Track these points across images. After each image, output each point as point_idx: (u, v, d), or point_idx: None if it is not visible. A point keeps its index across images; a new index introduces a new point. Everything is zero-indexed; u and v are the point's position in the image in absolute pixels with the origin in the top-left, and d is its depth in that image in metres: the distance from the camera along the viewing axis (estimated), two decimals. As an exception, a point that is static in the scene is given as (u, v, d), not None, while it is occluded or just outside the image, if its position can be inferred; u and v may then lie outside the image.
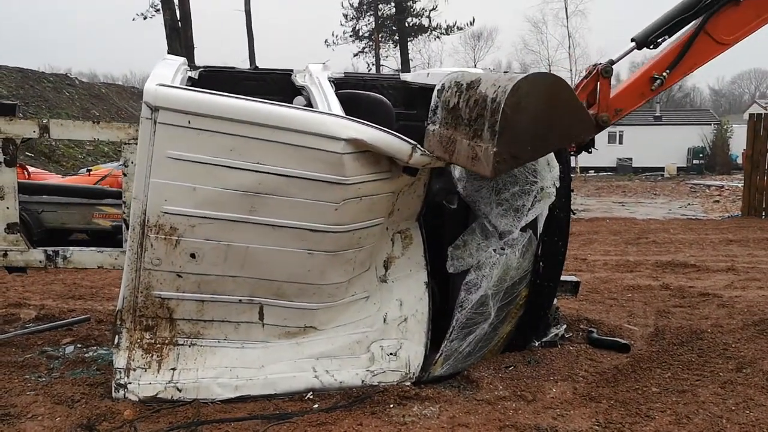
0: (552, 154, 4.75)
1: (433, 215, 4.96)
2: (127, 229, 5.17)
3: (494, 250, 4.66)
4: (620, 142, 47.24)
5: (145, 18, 31.30)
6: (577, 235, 12.76)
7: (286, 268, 4.30)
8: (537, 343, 5.26)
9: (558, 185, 4.81)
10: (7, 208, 5.41)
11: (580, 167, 41.71)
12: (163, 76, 4.27)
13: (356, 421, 4.00)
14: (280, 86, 5.41)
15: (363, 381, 4.47)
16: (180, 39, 25.15)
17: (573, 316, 6.24)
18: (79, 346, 5.78)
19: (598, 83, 4.68)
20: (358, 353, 4.56)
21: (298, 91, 5.22)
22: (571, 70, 44.97)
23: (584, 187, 28.59)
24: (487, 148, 3.61)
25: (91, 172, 11.61)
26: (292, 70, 5.58)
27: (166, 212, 4.07)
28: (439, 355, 4.60)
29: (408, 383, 4.53)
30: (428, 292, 4.75)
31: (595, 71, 4.80)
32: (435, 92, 4.58)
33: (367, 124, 4.07)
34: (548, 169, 4.77)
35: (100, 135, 5.60)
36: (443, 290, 5.05)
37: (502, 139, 3.54)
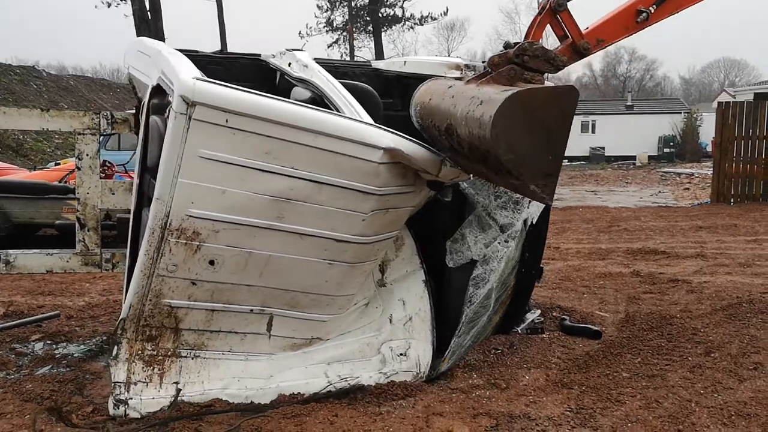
0: None
1: (426, 209, 4.80)
2: (81, 228, 5.02)
3: (499, 244, 4.65)
4: (593, 131, 47.73)
5: (109, 6, 30.53)
6: (550, 224, 12.79)
7: (304, 278, 4.17)
8: (519, 329, 5.32)
9: None
10: None
11: (552, 156, 42.02)
12: (186, 66, 3.97)
13: (331, 412, 3.99)
14: (249, 72, 5.23)
15: (376, 383, 4.40)
16: (150, 30, 24.82)
17: (546, 304, 6.31)
18: (48, 342, 5.69)
19: (559, 17, 4.38)
20: (368, 356, 4.49)
21: (277, 77, 5.09)
22: (541, 61, 45.11)
23: (557, 177, 28.80)
24: (524, 186, 3.50)
25: (60, 166, 11.45)
26: (259, 55, 5.44)
27: (191, 215, 3.79)
28: (448, 351, 4.59)
29: (419, 382, 4.49)
30: (428, 289, 4.70)
31: (548, 6, 4.46)
32: (418, 128, 4.44)
33: (402, 135, 3.94)
34: None
35: (50, 124, 5.14)
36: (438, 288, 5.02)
37: (527, 175, 3.44)
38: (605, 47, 4.60)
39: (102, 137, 5.18)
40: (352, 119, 4.09)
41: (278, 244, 3.98)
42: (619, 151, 44.04)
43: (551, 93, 3.53)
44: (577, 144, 45.11)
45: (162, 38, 25.17)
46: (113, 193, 5.07)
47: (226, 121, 3.66)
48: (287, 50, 5.23)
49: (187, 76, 3.69)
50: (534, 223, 4.86)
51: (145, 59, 4.57)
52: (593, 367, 4.75)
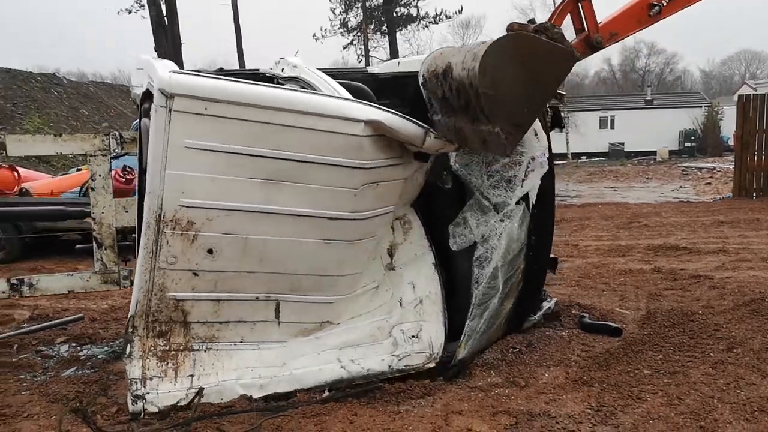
0: (539, 124, 4.80)
1: (428, 196, 4.91)
2: (98, 247, 5.10)
3: (495, 222, 4.68)
4: (612, 127, 47.42)
5: (129, 12, 30.91)
6: (568, 221, 12.81)
7: (304, 260, 4.24)
8: (535, 317, 5.32)
9: (547, 156, 4.84)
10: None
11: (571, 153, 41.78)
12: (166, 64, 4.10)
13: (351, 411, 4.02)
14: None
15: (390, 366, 4.43)
16: (166, 35, 25.00)
17: (565, 301, 6.28)
18: (73, 344, 5.79)
19: (580, 6, 4.44)
20: (380, 339, 4.52)
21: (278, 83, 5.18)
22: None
23: (576, 173, 28.68)
24: (490, 131, 3.61)
25: (81, 171, 11.60)
26: (258, 70, 5.55)
27: (183, 205, 3.90)
28: (463, 336, 4.60)
29: (432, 364, 4.50)
30: (438, 272, 4.72)
31: None
32: (420, 85, 4.56)
33: (383, 108, 4.05)
34: (536, 139, 4.80)
35: (63, 148, 5.28)
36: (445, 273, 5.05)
37: (498, 117, 3.54)
38: (618, 41, 4.59)
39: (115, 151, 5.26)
40: (330, 96, 4.18)
41: (273, 227, 4.05)
42: (639, 147, 43.70)
43: (550, 48, 3.63)
44: (596, 140, 44.87)
45: (179, 44, 25.39)
46: (127, 211, 5.16)
47: (206, 109, 3.78)
48: (281, 58, 5.40)
49: (164, 71, 3.81)
50: (535, 204, 4.84)
51: (141, 73, 4.67)
52: (614, 365, 4.73)
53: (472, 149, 4.25)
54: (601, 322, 5.57)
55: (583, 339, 5.28)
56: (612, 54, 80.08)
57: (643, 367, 4.67)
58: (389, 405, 4.16)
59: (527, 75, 3.55)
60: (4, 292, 5.16)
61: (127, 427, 3.92)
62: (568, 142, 41.88)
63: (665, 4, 4.46)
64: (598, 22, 4.40)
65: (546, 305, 5.54)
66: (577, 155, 42.58)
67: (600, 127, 47.22)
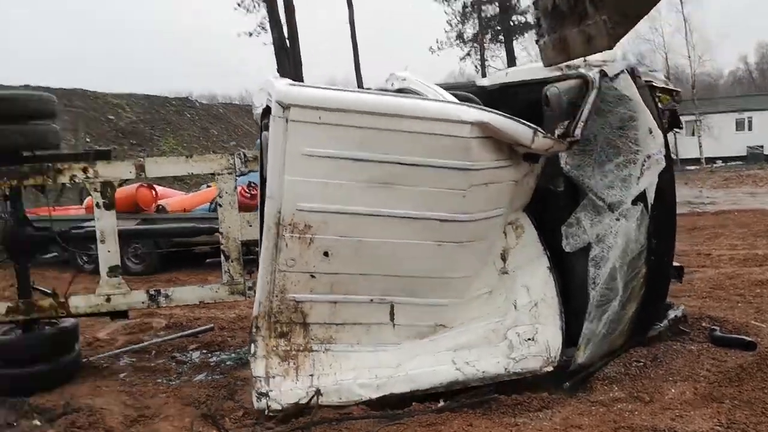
0: (654, 122, 4.65)
1: (540, 200, 4.88)
2: (226, 260, 5.36)
3: (611, 221, 4.57)
4: (749, 129, 44.68)
5: (250, 35, 32.36)
6: (701, 229, 12.19)
7: (416, 262, 4.35)
8: (660, 325, 5.16)
9: (664, 153, 4.68)
10: (108, 251, 5.39)
11: (705, 158, 39.64)
12: (283, 79, 4.40)
13: (466, 422, 4.03)
14: None
15: (506, 369, 4.41)
16: (288, 56, 25.96)
17: (695, 314, 5.97)
18: (204, 351, 6.16)
19: None
20: (495, 342, 4.52)
21: None
22: (689, 57, 42.68)
23: (710, 179, 27.16)
24: (597, 21, 3.58)
25: (211, 187, 12.26)
26: (369, 88, 5.70)
27: (300, 209, 4.13)
28: (581, 339, 4.52)
29: (550, 368, 4.45)
30: (553, 275, 4.67)
31: None
32: (532, 6, 4.57)
33: (489, 110, 4.12)
34: (651, 137, 4.65)
35: (194, 168, 5.62)
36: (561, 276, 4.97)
37: (609, 4, 3.50)
38: None
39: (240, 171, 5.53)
40: (436, 100, 4.24)
41: (385, 229, 4.19)
42: (781, 150, 40.82)
43: None
44: (733, 143, 42.40)
45: (300, 64, 26.28)
46: (251, 226, 5.40)
47: (320, 117, 4.02)
48: (391, 74, 5.56)
49: (281, 84, 4.11)
50: (653, 205, 4.66)
51: (261, 93, 4.92)
52: (747, 381, 4.45)
53: (576, 57, 4.16)
54: (733, 336, 5.26)
55: (714, 353, 5.01)
56: (748, 52, 75.46)
57: (779, 383, 4.37)
58: (506, 417, 4.14)
59: None
60: (143, 303, 5.52)
61: (252, 430, 4.11)
62: (701, 146, 39.78)
63: None
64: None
65: (672, 313, 5.32)
66: (711, 160, 40.37)
67: (736, 130, 44.56)
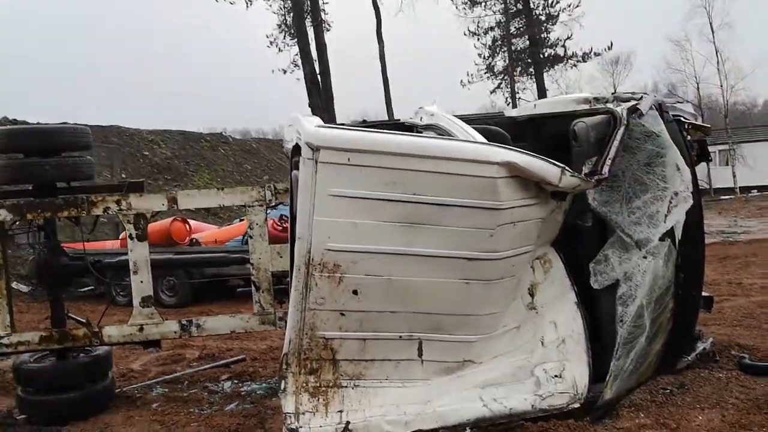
0: (681, 158, 4.70)
1: (568, 236, 4.91)
2: (256, 290, 5.45)
3: (639, 259, 4.59)
4: (785, 157, 43.88)
5: (284, 72, 32.93)
6: (733, 258, 12.06)
7: (444, 300, 4.38)
8: (688, 358, 5.15)
9: (692, 189, 4.71)
10: (141, 281, 5.46)
11: (740, 186, 39.05)
12: (313, 119, 4.48)
13: (493, 449, 4.06)
14: None
15: (533, 405, 4.42)
16: (320, 91, 26.35)
17: (724, 341, 5.95)
18: (235, 381, 6.27)
19: None
20: (522, 379, 4.54)
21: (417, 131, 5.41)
22: (721, 86, 42.33)
23: (744, 209, 26.72)
24: None
25: (243, 221, 12.49)
26: (399, 120, 5.83)
27: (329, 249, 4.18)
28: (609, 376, 4.52)
29: (577, 404, 4.44)
30: (580, 311, 4.69)
31: None
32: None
33: (517, 150, 4.19)
34: (678, 174, 4.69)
35: (225, 200, 5.73)
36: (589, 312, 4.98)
37: None
38: None
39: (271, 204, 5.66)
40: (465, 141, 4.32)
41: (414, 268, 4.23)
42: (817, 177, 40.03)
43: None
44: (766, 171, 41.67)
45: (331, 98, 26.64)
46: (281, 257, 5.49)
47: (348, 159, 4.08)
48: (420, 108, 5.62)
49: (311, 126, 4.18)
50: (681, 240, 4.69)
51: (290, 129, 5.07)
52: (776, 409, 4.43)
53: None
54: (763, 364, 5.24)
55: (743, 381, 5.00)
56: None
57: (809, 412, 4.34)
58: (533, 447, 4.16)
59: None
60: (176, 332, 5.60)
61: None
62: (734, 176, 39.23)
63: None
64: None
65: (701, 346, 5.31)
66: (746, 189, 39.71)
67: (773, 157, 43.83)
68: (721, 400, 4.65)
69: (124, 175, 18.67)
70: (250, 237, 5.56)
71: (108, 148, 19.27)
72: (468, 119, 5.54)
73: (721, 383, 4.97)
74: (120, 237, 11.91)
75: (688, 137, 5.10)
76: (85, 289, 12.11)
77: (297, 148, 4.60)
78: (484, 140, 4.56)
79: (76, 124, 6.13)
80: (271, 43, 33.54)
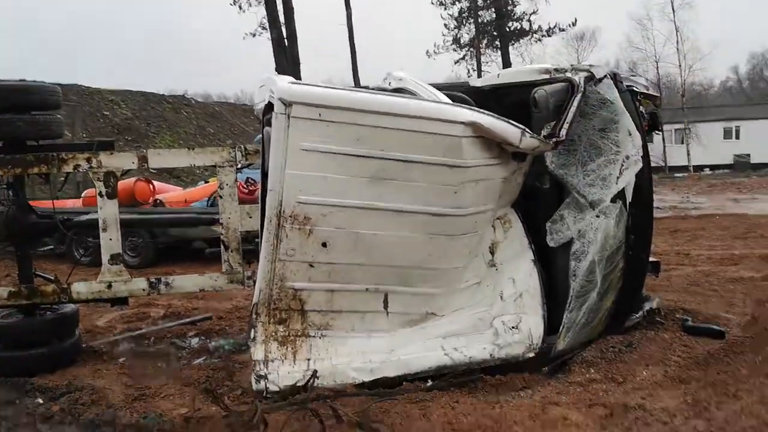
0: (633, 125, 4.96)
1: (527, 197, 5.14)
2: (225, 250, 5.57)
3: (592, 218, 4.86)
4: (737, 138, 45.15)
5: (254, 36, 32.60)
6: (683, 231, 12.54)
7: (410, 254, 4.59)
8: (636, 315, 5.48)
9: (641, 155, 4.97)
10: (110, 239, 5.53)
11: (693, 165, 40.12)
12: (284, 77, 4.63)
13: (452, 399, 4.31)
14: None
15: (491, 355, 4.70)
16: (286, 56, 26.20)
17: (670, 306, 6.30)
18: (202, 338, 6.41)
19: None
20: (482, 330, 4.79)
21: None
22: (680, 66, 43.19)
23: (696, 186, 27.56)
24: None
25: (208, 184, 12.52)
26: (367, 86, 5.97)
27: (300, 202, 4.35)
28: (561, 327, 4.81)
29: (532, 354, 4.74)
30: (537, 268, 4.96)
31: None
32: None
33: (481, 111, 4.39)
34: (630, 139, 4.94)
35: (196, 160, 5.81)
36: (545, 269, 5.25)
37: None
38: None
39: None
40: (432, 101, 4.53)
41: (380, 222, 4.44)
42: (766, 158, 41.31)
43: None
44: (719, 151, 42.86)
45: (297, 64, 26.53)
46: (251, 217, 5.63)
47: (320, 115, 4.26)
48: (388, 74, 5.79)
49: (283, 83, 4.34)
50: (632, 203, 4.98)
51: (263, 90, 5.19)
52: (713, 365, 4.77)
53: None
54: (704, 326, 5.59)
55: (685, 341, 5.33)
56: (739, 63, 76.06)
57: (742, 368, 4.68)
58: (489, 395, 4.42)
59: None
60: (144, 290, 5.71)
61: (252, 406, 4.36)
62: (689, 154, 40.24)
63: None
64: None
65: (648, 305, 5.67)
66: (699, 167, 40.83)
67: (724, 138, 45.06)
68: (664, 357, 4.98)
69: (84, 135, 18.41)
70: (220, 197, 5.65)
71: (69, 106, 18.92)
72: (435, 86, 5.72)
73: (665, 343, 5.30)
74: (82, 196, 11.84)
75: (641, 107, 5.36)
76: (45, 248, 12.01)
77: (269, 107, 4.72)
78: (448, 101, 4.75)
79: (42, 81, 6.05)
80: (234, 2, 33.03)
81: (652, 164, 5.22)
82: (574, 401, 4.26)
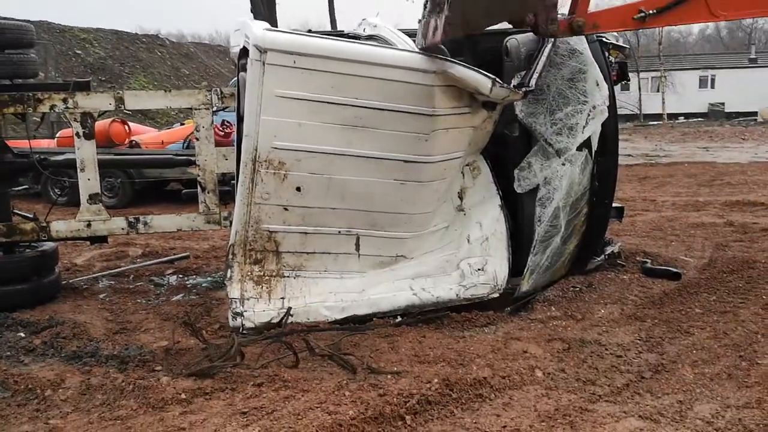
0: (600, 75, 5.07)
1: (496, 144, 5.26)
2: (202, 191, 5.68)
3: (558, 165, 5.02)
4: (712, 87, 45.46)
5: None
6: (651, 178, 12.83)
7: (381, 199, 4.73)
8: (598, 259, 5.70)
9: (608, 104, 5.11)
10: (88, 179, 5.58)
11: (668, 114, 40.42)
12: (260, 23, 4.67)
13: (420, 334, 4.53)
14: None
15: (457, 295, 4.91)
16: (262, -1, 25.67)
17: (632, 250, 6.57)
18: (180, 276, 6.56)
19: None
20: (449, 271, 4.99)
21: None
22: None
23: (669, 134, 27.91)
24: (443, 15, 4.03)
25: (183, 126, 12.49)
26: (342, 31, 6.02)
27: (275, 147, 4.46)
28: (526, 270, 5.02)
29: (496, 294, 4.96)
30: (503, 213, 5.14)
31: None
32: None
33: (452, 60, 4.48)
34: (597, 89, 5.07)
35: (172, 102, 5.89)
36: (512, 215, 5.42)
37: (454, 4, 3.98)
38: (598, 32, 4.88)
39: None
40: (404, 50, 4.62)
41: (353, 168, 4.57)
42: (740, 107, 41.74)
43: None
44: (695, 100, 43.18)
45: (273, 5, 26.00)
46: (226, 159, 5.73)
47: (294, 62, 4.33)
48: (363, 19, 5.84)
49: (259, 29, 4.39)
50: (597, 151, 5.15)
51: (238, 34, 5.21)
52: (668, 304, 5.05)
53: (430, 43, 4.47)
54: (662, 267, 5.86)
55: (643, 282, 5.60)
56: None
57: (695, 306, 4.97)
58: (455, 331, 4.65)
59: None
60: (123, 229, 5.84)
61: (229, 339, 4.56)
62: (663, 102, 40.53)
63: (650, 14, 4.59)
64: (589, 9, 4.60)
65: (609, 249, 5.91)
66: (673, 116, 41.16)
67: (699, 87, 45.34)
68: (622, 297, 5.24)
69: (57, 75, 18.10)
70: (197, 139, 5.74)
71: (40, 44, 18.56)
72: (410, 34, 5.79)
73: (624, 284, 5.57)
74: (57, 136, 11.78)
75: (610, 57, 5.48)
76: (20, 188, 11.96)
77: (244, 51, 4.78)
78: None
79: (12, 18, 6.02)
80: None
81: (628, 112, 5.37)
82: (534, 336, 4.50)
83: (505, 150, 5.26)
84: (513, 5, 4.24)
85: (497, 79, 4.47)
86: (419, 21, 4.69)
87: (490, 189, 5.19)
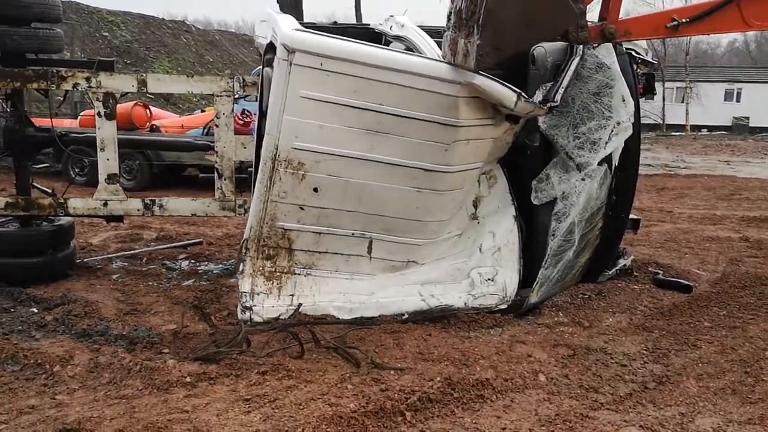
0: (627, 90, 5.00)
1: (514, 153, 5.21)
2: (219, 177, 5.74)
3: (577, 181, 4.98)
4: (737, 100, 44.93)
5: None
6: (670, 189, 12.73)
7: (397, 205, 4.74)
8: (609, 272, 5.65)
9: (633, 121, 5.05)
10: (108, 159, 5.66)
11: (691, 125, 40.04)
12: (289, 21, 4.69)
13: (425, 332, 4.55)
14: (360, 37, 5.83)
15: (465, 303, 4.92)
16: (289, -11, 25.73)
17: (645, 260, 6.54)
18: (192, 261, 6.64)
19: None
20: (459, 279, 5.00)
21: (382, 40, 5.63)
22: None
23: (691, 146, 27.62)
24: (474, 42, 3.99)
25: (204, 113, 12.56)
26: (368, 25, 6.02)
27: (296, 148, 4.48)
28: (536, 282, 4.99)
29: (505, 306, 4.96)
30: (517, 224, 5.12)
31: None
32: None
33: (479, 72, 4.42)
34: (623, 105, 5.00)
35: (194, 88, 5.88)
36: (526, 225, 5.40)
37: (486, 32, 3.94)
38: (630, 40, 4.82)
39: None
40: (431, 59, 4.61)
41: (371, 173, 4.58)
42: (765, 122, 41.26)
43: (559, 3, 4.20)
44: (719, 112, 42.72)
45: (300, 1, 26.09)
46: (245, 147, 5.77)
47: (321, 64, 4.34)
48: (390, 16, 5.83)
49: (288, 28, 4.40)
50: (618, 166, 5.10)
51: (264, 25, 5.22)
52: (677, 316, 5.03)
53: (459, 66, 4.44)
54: (673, 279, 5.83)
55: (653, 293, 5.59)
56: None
57: (704, 320, 4.95)
58: (461, 331, 4.67)
59: (530, 10, 4.03)
60: (139, 210, 5.92)
61: (237, 326, 4.61)
62: (687, 113, 40.12)
63: (683, 23, 4.55)
64: (620, 16, 4.58)
65: (622, 262, 5.85)
66: (697, 128, 40.73)
67: (724, 100, 44.82)
68: (631, 306, 5.23)
69: (83, 56, 18.28)
70: (216, 126, 5.78)
71: (67, 25, 18.75)
72: (436, 31, 5.78)
73: (634, 293, 5.55)
74: (80, 116, 11.89)
75: (638, 71, 5.42)
76: (41, 165, 12.13)
77: (271, 46, 4.80)
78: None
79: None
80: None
81: (651, 121, 5.31)
82: (540, 341, 4.51)
83: (524, 159, 5.22)
84: (546, 24, 4.18)
85: (522, 93, 4.41)
86: (443, 32, 4.69)
87: (505, 199, 5.18)
